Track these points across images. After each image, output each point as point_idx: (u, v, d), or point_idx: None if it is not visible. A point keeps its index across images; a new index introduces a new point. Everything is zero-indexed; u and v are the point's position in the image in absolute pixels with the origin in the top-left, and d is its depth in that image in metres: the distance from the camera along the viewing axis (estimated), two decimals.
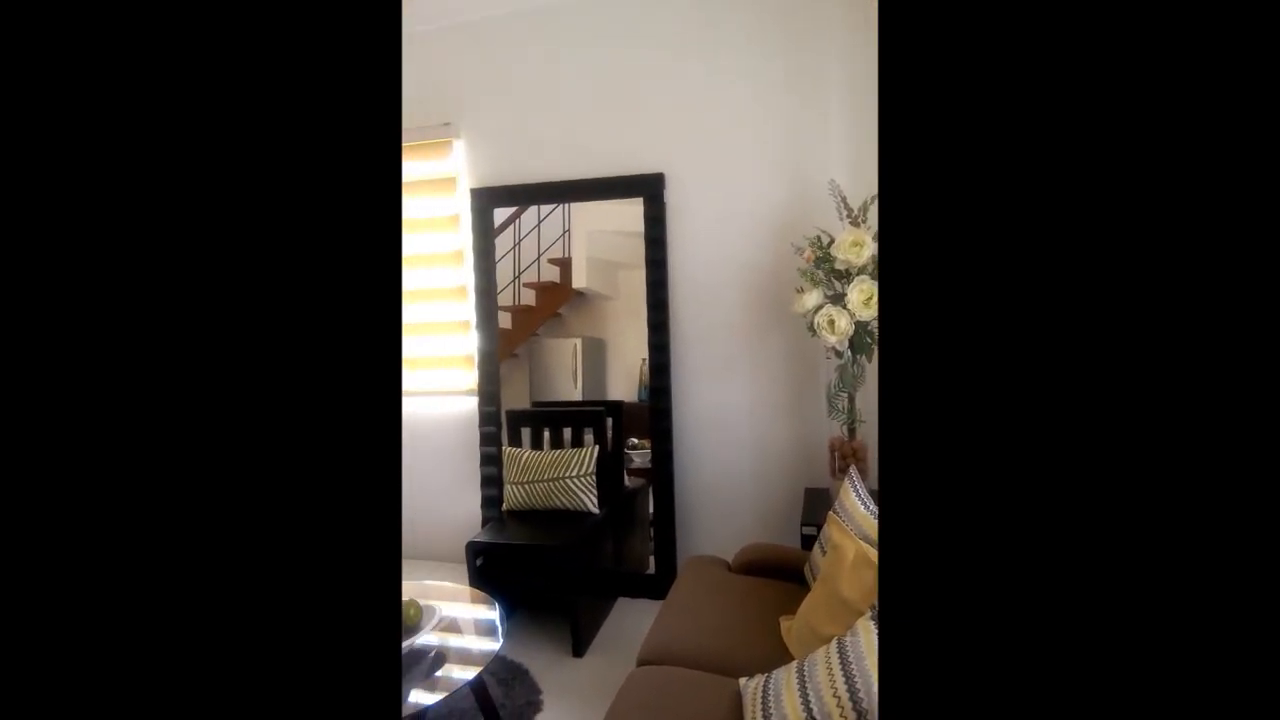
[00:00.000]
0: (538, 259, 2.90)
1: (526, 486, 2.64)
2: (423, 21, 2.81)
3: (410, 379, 3.12)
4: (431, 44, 2.87)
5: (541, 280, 2.91)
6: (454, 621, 1.99)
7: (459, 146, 2.91)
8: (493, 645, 1.91)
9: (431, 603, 1.90)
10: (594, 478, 2.58)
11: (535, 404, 2.93)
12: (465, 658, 1.87)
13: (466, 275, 2.96)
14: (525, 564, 2.50)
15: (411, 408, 3.14)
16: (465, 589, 2.30)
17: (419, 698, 1.75)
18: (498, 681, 2.21)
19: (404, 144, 2.91)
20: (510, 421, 2.84)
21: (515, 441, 2.79)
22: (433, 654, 1.84)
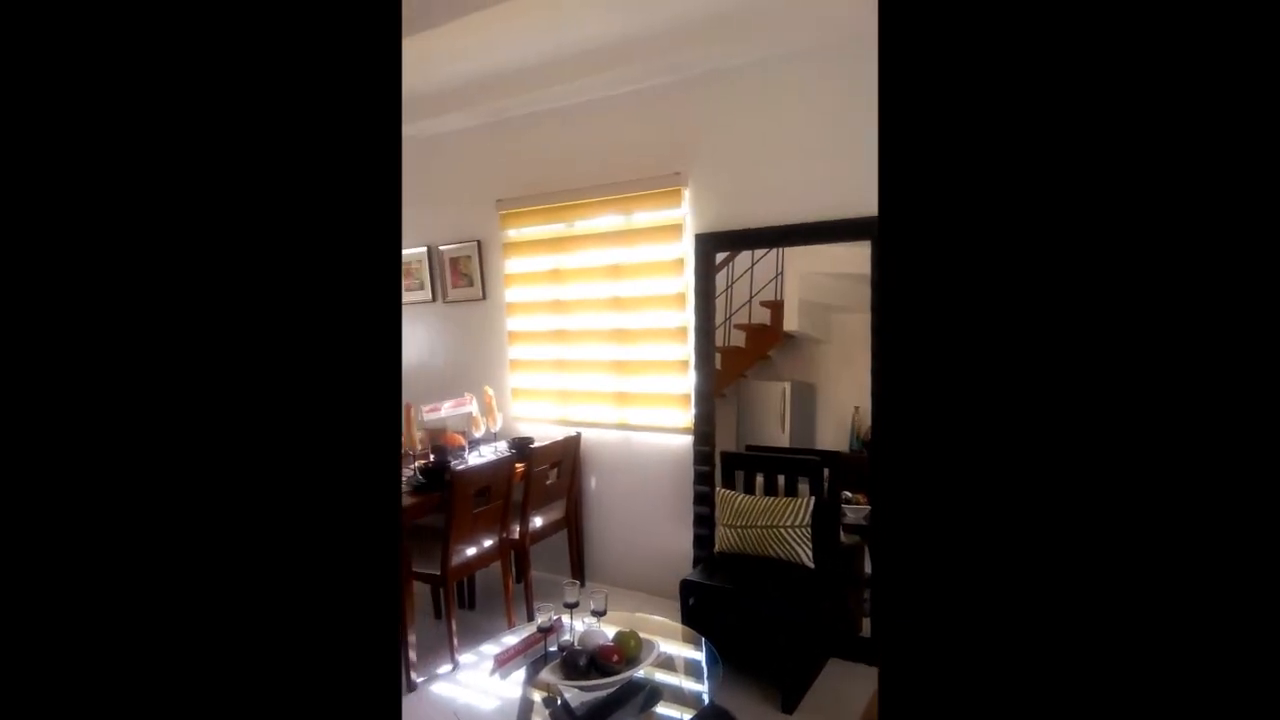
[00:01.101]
0: (749, 300, 2.92)
1: (740, 530, 2.63)
2: (656, 76, 3.00)
3: (632, 414, 3.27)
4: (664, 97, 3.05)
5: (753, 322, 2.91)
6: (669, 659, 2.02)
7: (686, 194, 3.04)
8: (699, 688, 1.90)
9: (650, 637, 1.94)
10: (809, 529, 2.49)
11: (748, 447, 2.91)
12: (677, 697, 1.89)
13: (687, 316, 3.06)
14: (737, 610, 2.47)
15: (632, 442, 3.28)
16: (677, 626, 2.33)
17: None
18: None
19: (635, 193, 3.11)
20: (725, 463, 2.85)
21: (729, 483, 2.80)
22: (648, 689, 1.87)
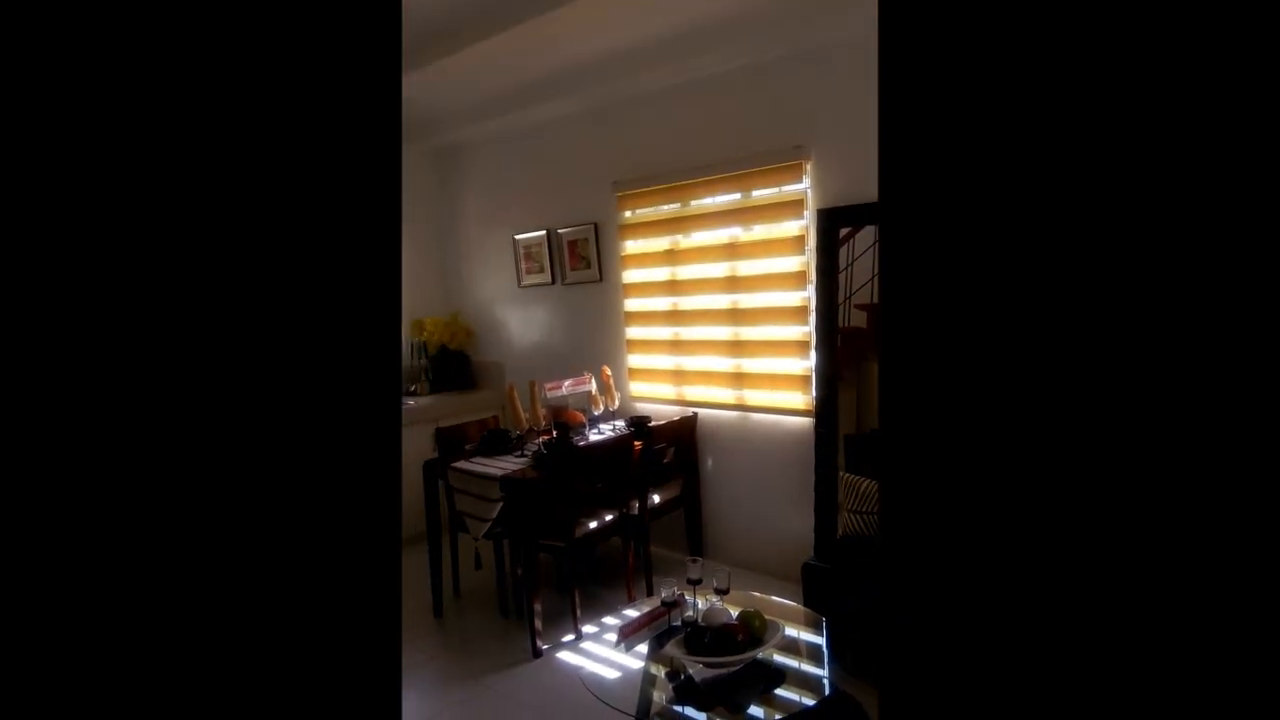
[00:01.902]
0: (871, 279, 2.79)
1: (865, 517, 2.55)
2: (769, 50, 2.91)
3: (750, 395, 3.24)
4: (782, 70, 2.95)
5: (875, 301, 2.79)
6: (793, 641, 2.00)
7: (808, 169, 2.94)
8: (821, 672, 1.87)
9: (773, 618, 1.93)
10: None
11: (871, 431, 2.81)
12: (801, 680, 1.87)
13: (807, 295, 2.98)
14: (860, 596, 2.40)
15: (750, 422, 3.25)
16: (799, 609, 2.30)
17: (756, 711, 1.79)
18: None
19: (754, 169, 3.05)
20: (848, 447, 2.76)
21: (853, 468, 2.71)
22: (771, 670, 1.86)
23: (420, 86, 3.55)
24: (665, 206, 3.44)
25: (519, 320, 4.29)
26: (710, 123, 3.21)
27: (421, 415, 3.92)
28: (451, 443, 3.20)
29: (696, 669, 1.80)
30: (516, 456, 2.96)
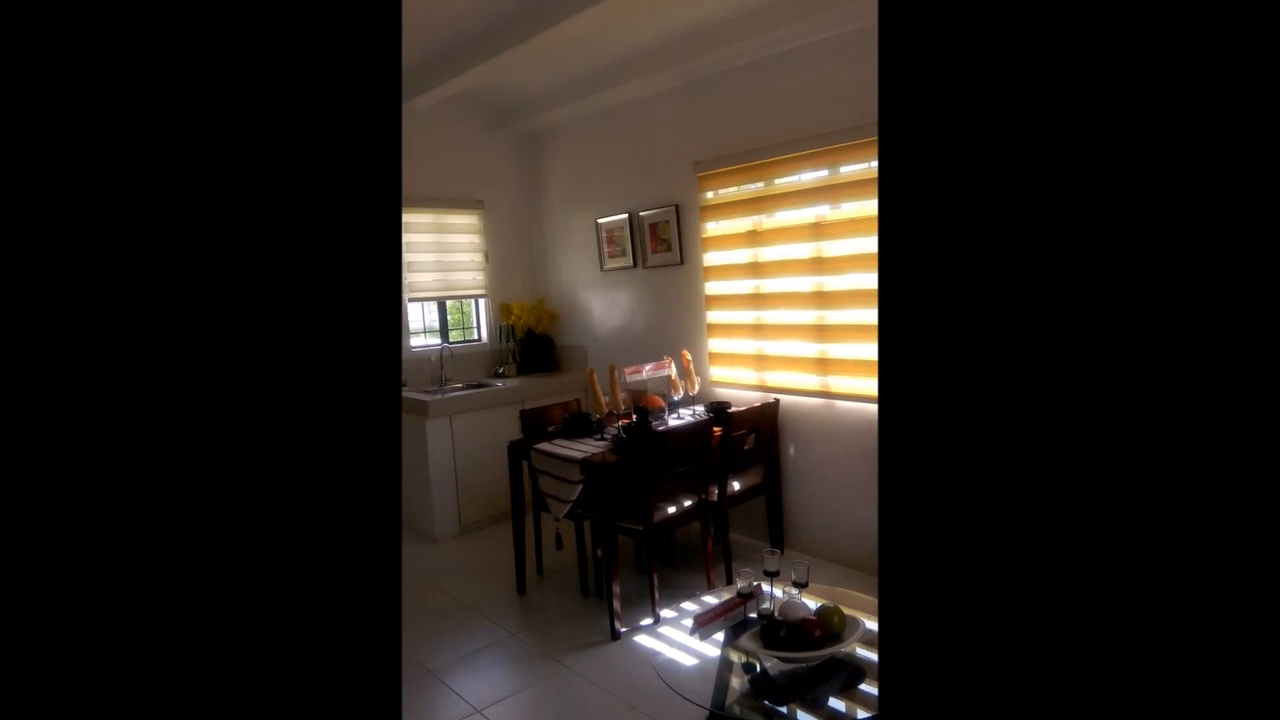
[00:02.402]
0: None
1: None
2: (854, 20, 2.75)
3: (835, 382, 3.12)
4: (873, 42, 2.79)
5: None
6: (875, 637, 1.92)
7: None
8: None
9: (854, 614, 1.86)
10: None
11: None
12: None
13: None
14: None
15: (835, 410, 3.14)
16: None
17: (837, 705, 1.73)
18: None
19: (841, 144, 2.91)
20: None
21: None
22: (851, 668, 1.80)
23: (507, 70, 3.60)
24: (748, 186, 3.35)
25: (601, 304, 4.32)
26: (796, 96, 3.09)
27: (508, 397, 4.02)
28: (535, 424, 3.27)
29: (771, 663, 1.76)
30: (597, 440, 2.98)
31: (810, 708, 1.69)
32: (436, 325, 4.47)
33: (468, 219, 4.46)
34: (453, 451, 3.84)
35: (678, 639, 2.61)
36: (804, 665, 1.74)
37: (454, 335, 4.55)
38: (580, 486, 2.78)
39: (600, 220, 4.15)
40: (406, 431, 3.92)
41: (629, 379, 3.17)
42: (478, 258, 4.51)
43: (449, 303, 4.51)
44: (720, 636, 1.97)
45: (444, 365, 4.25)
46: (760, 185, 3.29)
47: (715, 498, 3.03)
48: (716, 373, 3.67)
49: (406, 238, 4.17)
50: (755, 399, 3.32)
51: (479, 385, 4.21)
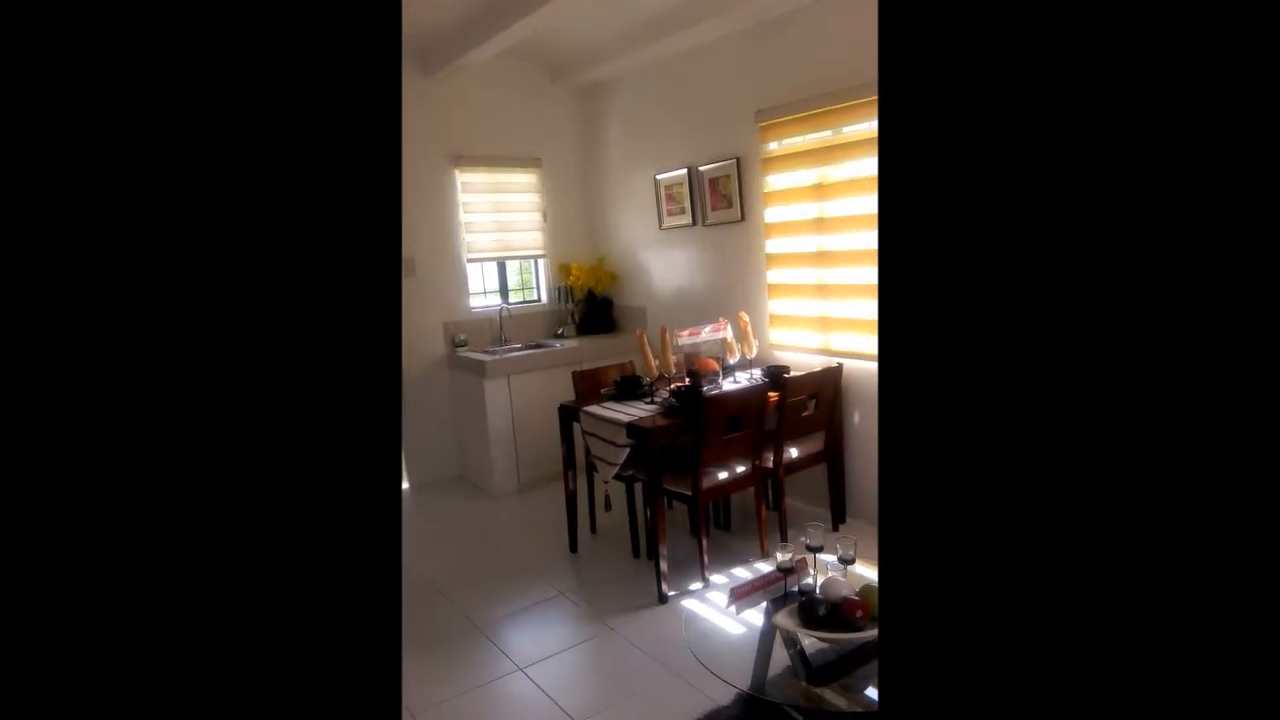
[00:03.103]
0: None
1: None
2: None
3: None
4: None
5: None
6: None
7: None
8: None
9: None
10: None
11: None
12: None
13: None
14: None
15: None
16: None
17: (873, 693, 1.63)
18: None
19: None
20: None
21: None
22: None
23: (563, 20, 3.49)
24: (813, 135, 3.14)
25: (660, 264, 4.21)
26: (864, 37, 2.83)
27: (565, 358, 4.01)
28: (588, 386, 3.23)
29: (809, 642, 1.67)
30: (647, 403, 2.92)
31: (844, 693, 1.60)
32: (498, 286, 4.48)
33: (526, 178, 4.41)
34: (511, 411, 3.87)
35: (724, 604, 2.55)
36: (844, 647, 1.64)
37: (517, 296, 4.55)
38: (627, 450, 2.73)
39: (659, 176, 4.01)
40: (467, 390, 3.98)
41: (685, 341, 3.07)
42: (536, 217, 4.47)
43: (514, 263, 4.50)
44: (762, 611, 1.90)
45: (503, 326, 4.26)
46: (827, 134, 3.07)
47: (771, 464, 2.92)
48: (777, 336, 3.52)
49: (464, 198, 4.17)
50: (817, 363, 3.16)
51: (537, 346, 4.21)
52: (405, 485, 4.17)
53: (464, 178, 4.16)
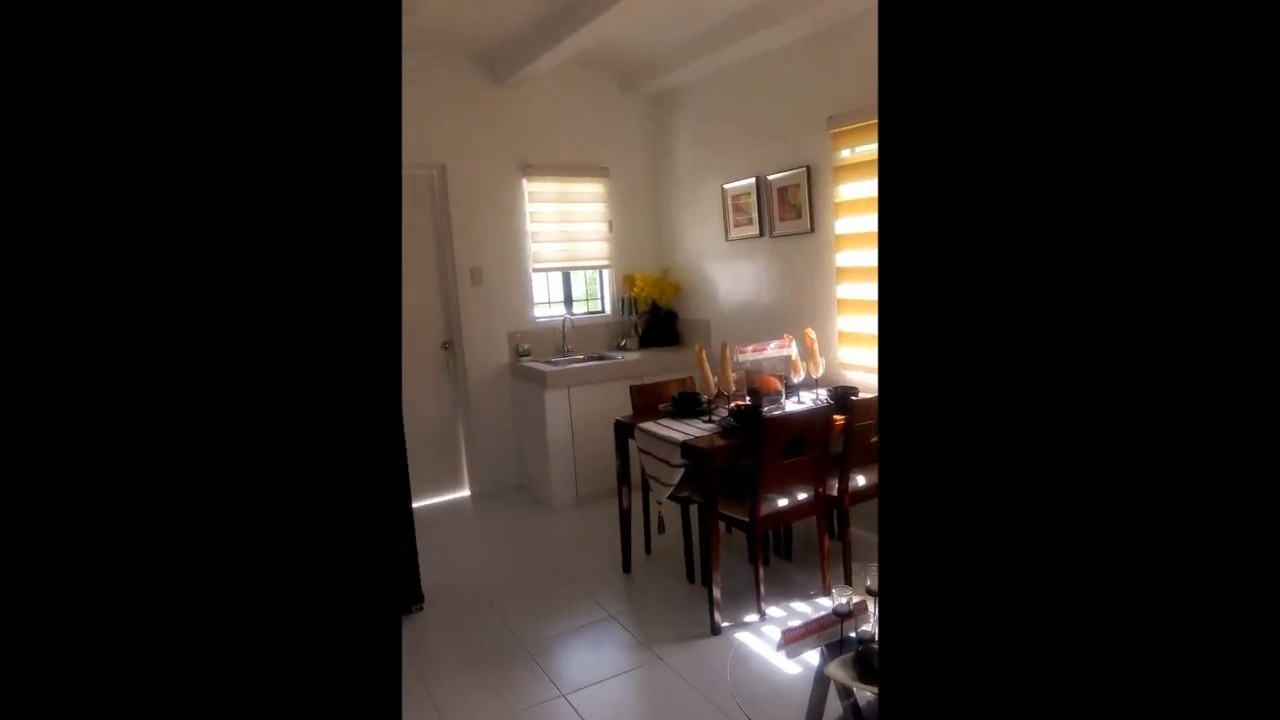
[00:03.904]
0: None
1: None
2: None
3: None
4: None
5: None
6: None
7: None
8: None
9: None
10: None
11: None
12: None
13: None
14: None
15: None
16: None
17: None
18: None
19: None
20: None
21: None
22: None
23: (632, 25, 3.44)
24: None
25: (726, 276, 4.08)
26: None
27: (626, 371, 3.94)
28: (646, 401, 3.15)
29: (864, 696, 1.52)
30: (704, 422, 2.80)
31: None
32: (562, 296, 4.46)
33: (593, 187, 4.38)
34: (570, 423, 3.83)
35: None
36: None
37: (583, 306, 4.52)
38: (682, 470, 2.63)
39: (727, 186, 3.90)
40: (528, 400, 3.97)
41: (747, 358, 2.94)
42: (602, 227, 4.43)
43: (579, 273, 4.48)
44: (817, 655, 1.76)
45: (566, 336, 4.24)
46: None
47: (835, 492, 2.75)
48: (845, 354, 3.34)
49: (531, 207, 4.17)
50: None
51: (599, 358, 4.16)
52: (467, 493, 4.20)
53: (531, 187, 4.16)
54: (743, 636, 2.50)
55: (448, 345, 4.09)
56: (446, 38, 3.63)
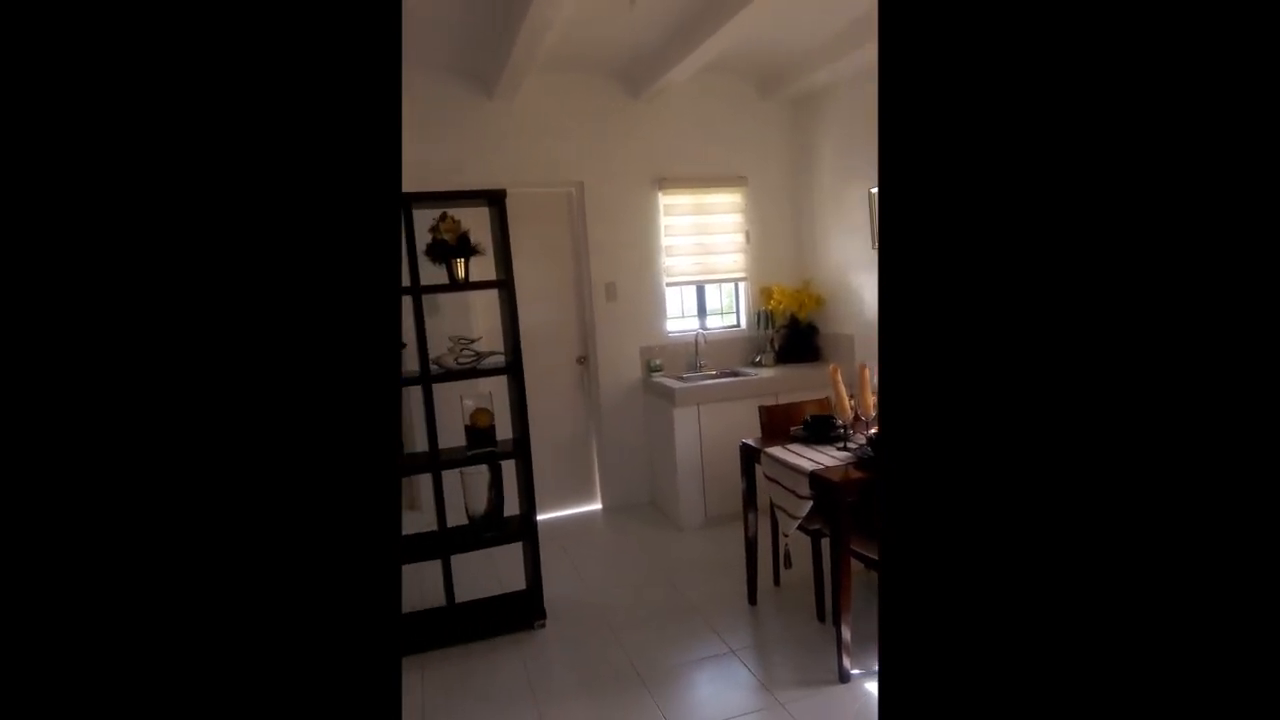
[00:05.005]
0: None
1: None
2: None
3: None
4: None
5: None
6: None
7: None
8: None
9: None
10: None
11: None
12: None
13: None
14: None
15: None
16: None
17: None
18: None
19: None
20: None
21: None
22: None
23: (768, 26, 3.29)
24: None
25: (872, 288, 3.78)
26: None
27: (760, 388, 3.76)
28: (776, 423, 2.97)
29: None
30: (838, 450, 2.58)
31: None
32: (696, 309, 4.37)
33: (730, 198, 4.25)
34: (699, 441, 3.72)
35: None
36: None
37: (718, 320, 4.41)
38: (810, 502, 2.43)
39: (874, 191, 3.61)
40: (658, 417, 3.91)
41: None
42: (739, 238, 4.29)
43: (715, 286, 4.37)
44: None
45: (699, 351, 4.14)
46: None
47: None
48: None
49: (666, 220, 4.13)
50: None
51: (733, 374, 4.02)
52: (598, 506, 4.22)
53: (667, 200, 4.12)
54: (874, 687, 2.25)
55: (582, 360, 4.14)
56: (581, 56, 3.68)
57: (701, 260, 4.24)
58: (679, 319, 4.30)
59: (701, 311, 4.37)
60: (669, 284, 4.19)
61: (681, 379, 3.93)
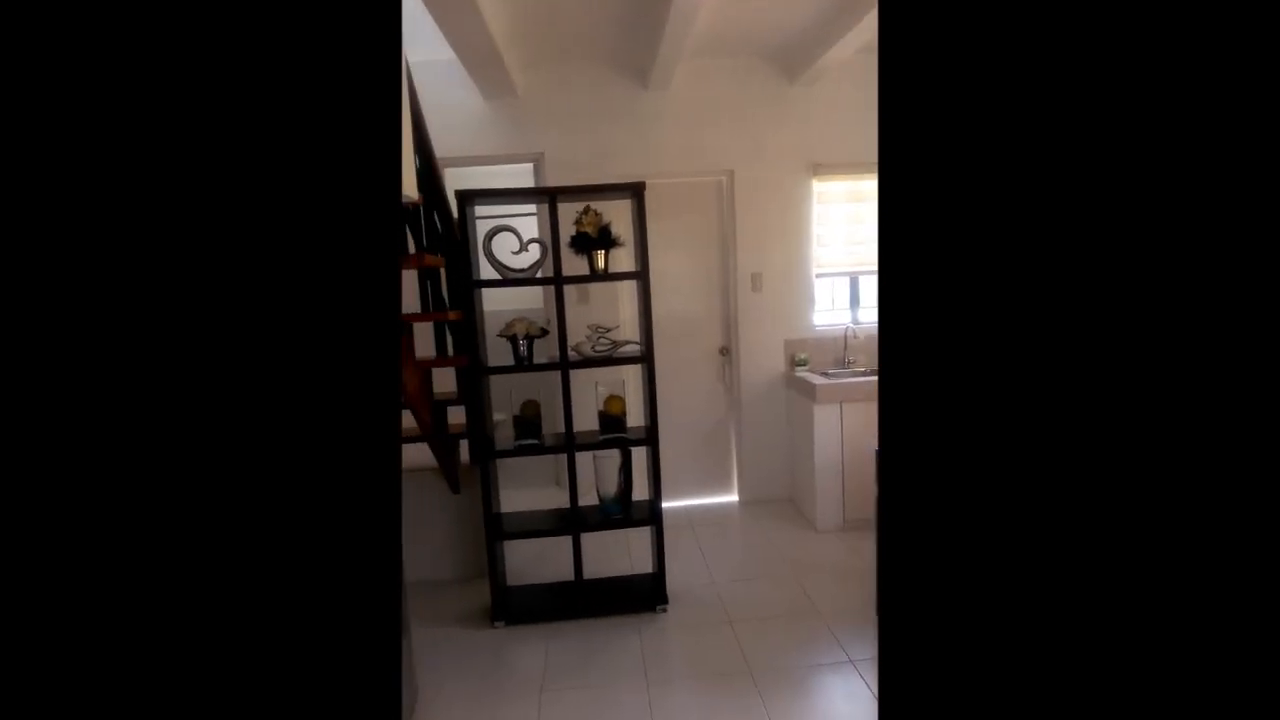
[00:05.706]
0: None
1: None
2: None
3: None
4: None
5: None
6: None
7: None
8: None
9: None
10: None
11: None
12: None
13: None
14: None
15: None
16: None
17: None
18: None
19: None
20: None
21: None
22: None
23: None
24: None
25: None
26: None
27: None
28: None
29: None
30: None
31: None
32: (848, 302, 4.17)
33: None
34: (841, 441, 3.57)
35: None
36: None
37: (872, 314, 4.18)
38: None
39: None
40: (799, 413, 3.81)
41: None
42: None
43: (869, 278, 4.14)
44: None
45: (847, 346, 3.95)
46: None
47: None
48: None
49: (818, 209, 3.97)
50: None
51: None
52: (735, 498, 4.20)
53: (820, 187, 3.96)
54: None
55: (725, 351, 4.13)
56: (734, 38, 3.62)
57: (855, 251, 4.03)
58: (828, 311, 4.13)
59: (854, 304, 4.16)
60: (819, 275, 4.03)
61: (826, 374, 3.78)
